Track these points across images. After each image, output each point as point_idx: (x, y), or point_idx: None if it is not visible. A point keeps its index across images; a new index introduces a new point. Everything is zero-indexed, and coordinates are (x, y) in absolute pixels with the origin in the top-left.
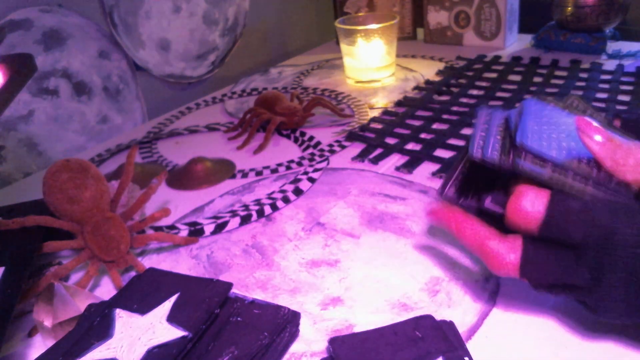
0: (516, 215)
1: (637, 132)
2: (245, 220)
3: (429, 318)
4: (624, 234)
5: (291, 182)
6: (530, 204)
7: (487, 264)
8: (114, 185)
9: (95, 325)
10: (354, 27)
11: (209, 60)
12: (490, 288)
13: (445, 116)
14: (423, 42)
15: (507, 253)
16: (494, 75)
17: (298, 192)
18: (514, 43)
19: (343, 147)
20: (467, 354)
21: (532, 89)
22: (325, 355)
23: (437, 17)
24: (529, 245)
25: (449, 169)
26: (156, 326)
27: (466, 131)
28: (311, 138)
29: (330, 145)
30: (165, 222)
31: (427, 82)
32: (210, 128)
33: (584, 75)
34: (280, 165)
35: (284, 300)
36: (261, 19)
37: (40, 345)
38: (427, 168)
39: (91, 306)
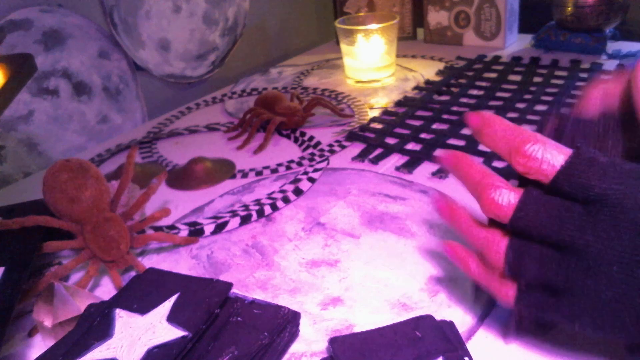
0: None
1: (584, 136)
2: (245, 220)
3: (429, 318)
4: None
5: (291, 182)
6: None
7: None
8: (114, 185)
9: (95, 325)
10: (354, 27)
11: (209, 60)
12: None
13: (445, 116)
14: (423, 42)
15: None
16: (494, 75)
17: (298, 192)
18: (514, 43)
19: (343, 147)
20: (467, 354)
21: (532, 89)
22: (325, 355)
23: (437, 17)
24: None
25: None
26: (156, 326)
27: (466, 131)
28: (311, 138)
29: (330, 145)
30: (165, 222)
31: (427, 82)
32: (210, 128)
33: (584, 75)
34: (280, 165)
35: (284, 300)
36: (261, 19)
37: (40, 345)
38: (427, 168)
39: (91, 306)
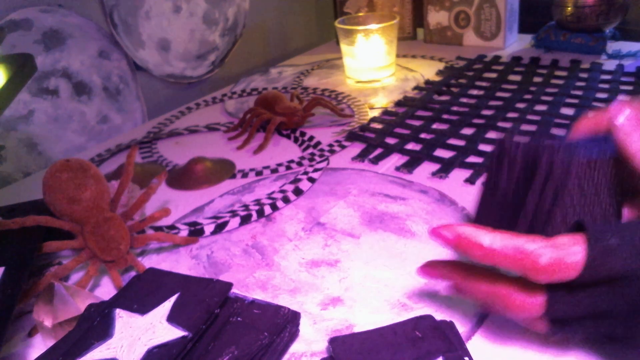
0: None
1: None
2: (245, 220)
3: (429, 318)
4: None
5: (291, 182)
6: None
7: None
8: (114, 185)
9: (95, 325)
10: (354, 27)
11: (209, 60)
12: None
13: (445, 116)
14: (423, 42)
15: (532, 292)
16: (494, 75)
17: (298, 192)
18: (514, 43)
19: (343, 147)
20: (467, 354)
21: (532, 89)
22: (325, 355)
23: (437, 17)
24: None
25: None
26: (156, 326)
27: (466, 131)
28: (311, 138)
29: (330, 145)
30: (165, 222)
31: (427, 82)
32: (210, 128)
33: (584, 75)
34: (280, 165)
35: (284, 300)
36: (261, 19)
37: (40, 345)
38: (427, 168)
39: (91, 306)
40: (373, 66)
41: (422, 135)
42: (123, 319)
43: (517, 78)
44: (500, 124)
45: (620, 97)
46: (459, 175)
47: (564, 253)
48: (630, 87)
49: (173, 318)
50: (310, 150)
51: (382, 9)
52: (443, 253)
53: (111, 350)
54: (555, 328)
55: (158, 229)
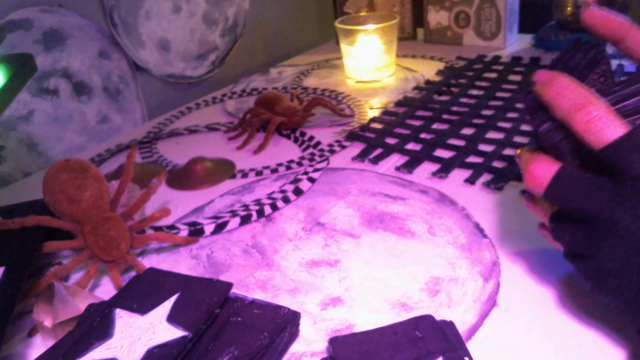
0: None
1: None
2: (245, 220)
3: (429, 318)
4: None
5: (291, 182)
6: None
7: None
8: (114, 185)
9: (95, 325)
10: (354, 27)
11: (209, 60)
12: (490, 288)
13: (445, 116)
14: (423, 42)
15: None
16: (494, 75)
17: (298, 192)
18: (514, 43)
19: (343, 147)
20: (467, 354)
21: None
22: (325, 355)
23: (437, 17)
24: (567, 167)
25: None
26: (156, 326)
27: (466, 131)
28: (311, 138)
29: (330, 145)
30: (165, 222)
31: (427, 82)
32: (210, 128)
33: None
34: (280, 165)
35: (284, 300)
36: (261, 19)
37: (40, 345)
38: (427, 168)
39: (91, 306)
40: (373, 66)
41: (422, 135)
42: (123, 319)
43: (517, 78)
44: (500, 124)
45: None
46: (459, 175)
47: (611, 123)
48: None
49: (173, 318)
50: (310, 150)
51: (382, 9)
52: (443, 253)
53: (111, 350)
54: (552, 224)
55: (158, 229)
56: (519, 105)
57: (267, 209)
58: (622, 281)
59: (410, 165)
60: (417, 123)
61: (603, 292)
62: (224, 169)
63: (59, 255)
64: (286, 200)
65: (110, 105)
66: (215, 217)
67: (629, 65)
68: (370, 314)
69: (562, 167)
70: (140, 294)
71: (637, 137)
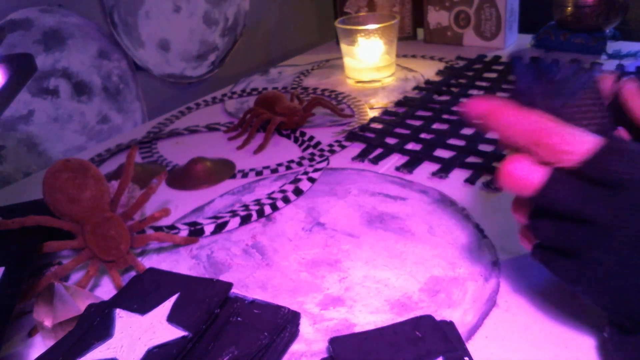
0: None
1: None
2: (245, 220)
3: (429, 318)
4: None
5: (291, 182)
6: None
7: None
8: (114, 185)
9: (95, 325)
10: (354, 27)
11: (209, 60)
12: (490, 288)
13: (445, 116)
14: (423, 42)
15: (535, 169)
16: (494, 75)
17: (298, 192)
18: (514, 43)
19: (343, 147)
20: (467, 354)
21: None
22: (325, 355)
23: (437, 17)
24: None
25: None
26: (156, 326)
27: (466, 131)
28: (311, 138)
29: (330, 145)
30: (165, 222)
31: (427, 82)
32: (210, 128)
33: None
34: (280, 165)
35: (284, 300)
36: (261, 19)
37: (40, 345)
38: (427, 168)
39: (91, 306)
40: (373, 66)
41: (422, 135)
42: (123, 319)
43: None
44: None
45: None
46: (459, 175)
47: (575, 143)
48: None
49: (173, 318)
50: (310, 150)
51: (382, 9)
52: (443, 253)
53: (111, 350)
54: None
55: (158, 229)
56: None
57: (267, 209)
58: (611, 281)
59: (410, 165)
60: (417, 123)
61: (594, 295)
62: (224, 169)
63: (59, 255)
64: (286, 200)
65: (110, 105)
66: (215, 217)
67: (629, 65)
68: (370, 314)
69: (557, 170)
70: (140, 294)
71: (610, 144)
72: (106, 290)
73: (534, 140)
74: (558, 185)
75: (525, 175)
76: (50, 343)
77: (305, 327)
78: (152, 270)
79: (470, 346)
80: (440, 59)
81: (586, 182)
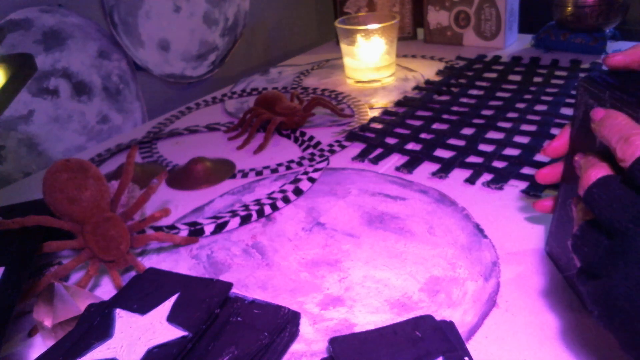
0: None
1: None
2: (245, 220)
3: (429, 318)
4: None
5: (291, 182)
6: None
7: None
8: (114, 185)
9: (95, 325)
10: (354, 27)
11: (209, 60)
12: (490, 288)
13: (445, 116)
14: (423, 42)
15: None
16: (494, 75)
17: (298, 192)
18: (514, 43)
19: (343, 147)
20: (467, 354)
21: (532, 89)
22: (325, 355)
23: (437, 17)
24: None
25: None
26: (156, 326)
27: (466, 131)
28: (311, 138)
29: (330, 145)
30: (165, 222)
31: (427, 82)
32: (210, 128)
33: (584, 75)
34: (280, 165)
35: (284, 300)
36: (261, 19)
37: (40, 345)
38: (427, 168)
39: (91, 306)
40: (373, 66)
41: (422, 135)
42: (123, 319)
43: (517, 78)
44: (500, 124)
45: None
46: (459, 175)
47: None
48: None
49: (173, 318)
50: (310, 150)
51: (382, 9)
52: (443, 253)
53: (111, 350)
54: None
55: (158, 229)
56: (519, 105)
57: (267, 209)
58: (632, 307)
59: (410, 165)
60: (417, 123)
61: (608, 319)
62: (224, 169)
63: (59, 255)
64: (286, 200)
65: (110, 105)
66: (215, 217)
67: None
68: (370, 314)
69: (611, 175)
70: (140, 294)
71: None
72: (106, 290)
73: (622, 135)
74: (603, 188)
75: (592, 174)
76: (50, 343)
77: (305, 327)
78: (152, 270)
79: (470, 346)
80: (440, 59)
81: (629, 192)
